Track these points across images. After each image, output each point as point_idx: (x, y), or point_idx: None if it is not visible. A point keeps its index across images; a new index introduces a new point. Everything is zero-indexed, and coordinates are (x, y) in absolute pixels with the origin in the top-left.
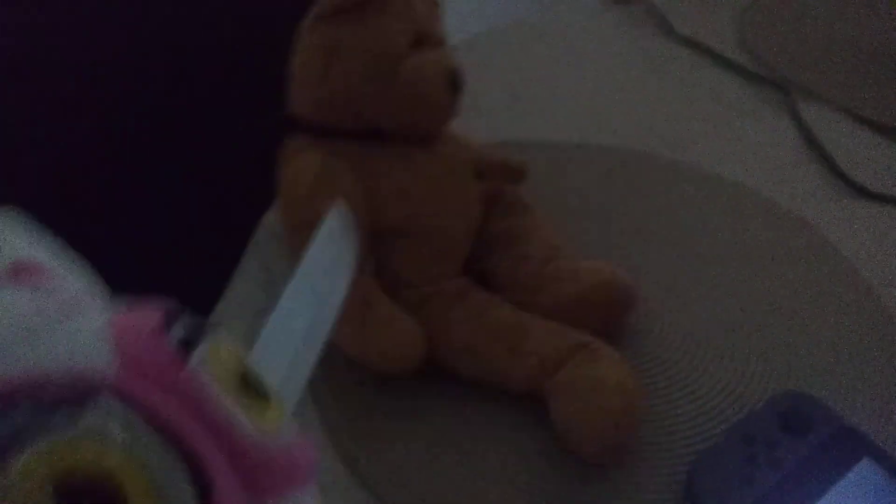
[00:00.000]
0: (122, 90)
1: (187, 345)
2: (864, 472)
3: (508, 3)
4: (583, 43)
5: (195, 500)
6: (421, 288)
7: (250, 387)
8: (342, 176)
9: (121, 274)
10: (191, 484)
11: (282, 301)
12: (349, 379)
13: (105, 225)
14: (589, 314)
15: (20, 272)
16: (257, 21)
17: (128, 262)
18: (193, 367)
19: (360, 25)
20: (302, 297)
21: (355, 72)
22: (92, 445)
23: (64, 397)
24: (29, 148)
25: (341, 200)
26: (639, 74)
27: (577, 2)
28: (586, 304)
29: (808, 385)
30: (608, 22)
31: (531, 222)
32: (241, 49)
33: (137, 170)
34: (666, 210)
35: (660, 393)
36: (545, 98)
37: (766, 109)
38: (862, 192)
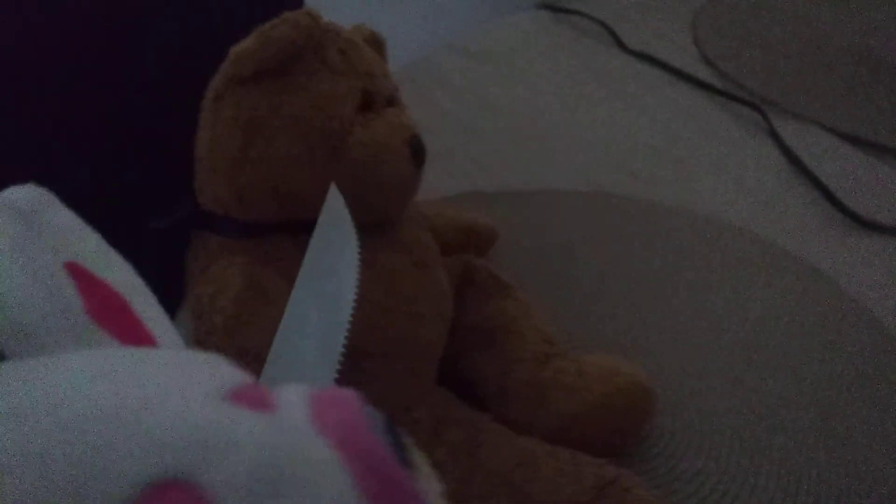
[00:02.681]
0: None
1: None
2: None
3: (438, 23)
4: (529, 63)
5: None
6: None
7: None
8: (273, 293)
9: None
10: None
11: (289, 309)
12: None
13: None
14: (601, 428)
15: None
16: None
17: None
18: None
19: (289, 90)
20: (310, 303)
21: (286, 150)
22: None
23: None
24: None
25: (268, 332)
26: (597, 99)
27: (511, 17)
28: (600, 418)
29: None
30: (553, 38)
31: (513, 306)
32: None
33: None
34: (658, 266)
35: None
36: (501, 132)
37: (740, 130)
38: (856, 220)
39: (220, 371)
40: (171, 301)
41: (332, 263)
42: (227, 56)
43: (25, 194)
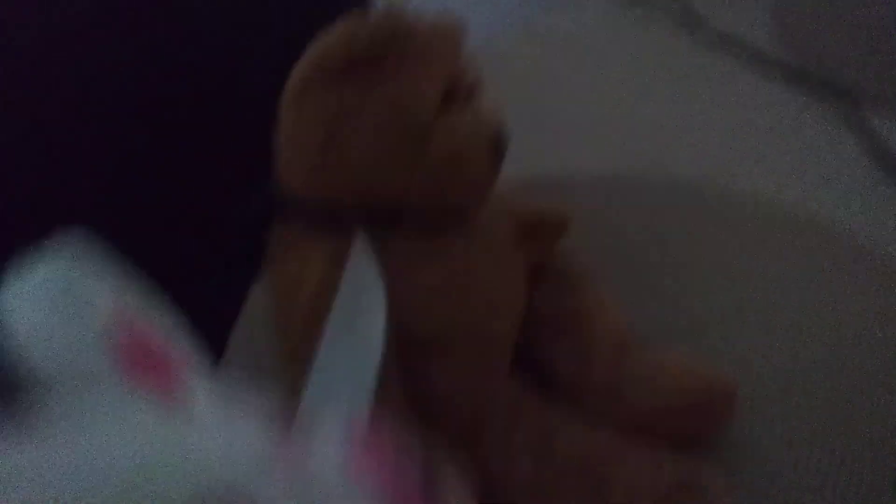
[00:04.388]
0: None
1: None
2: None
3: (508, 7)
4: (602, 49)
5: None
6: (466, 409)
7: None
8: None
9: None
10: None
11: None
12: None
13: None
14: (680, 425)
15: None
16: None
17: None
18: None
19: (375, 82)
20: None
21: (368, 148)
22: None
23: None
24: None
25: None
26: (672, 85)
27: (587, 2)
28: (678, 415)
29: None
30: (626, 22)
31: (589, 299)
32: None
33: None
34: (739, 260)
35: None
36: (570, 118)
37: (823, 118)
38: None
39: (253, 429)
40: (249, 283)
41: (363, 301)
42: (312, 48)
43: (66, 258)
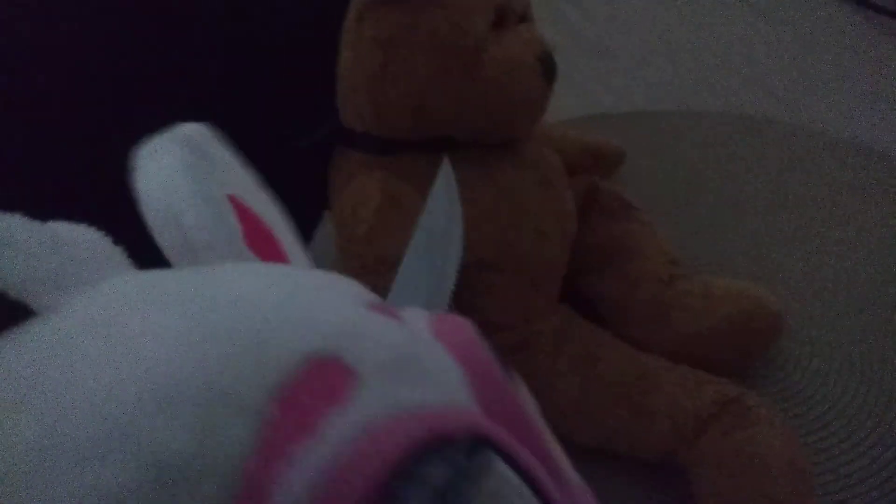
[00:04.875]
0: (156, 93)
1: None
2: None
3: None
4: None
5: None
6: (515, 331)
7: None
8: (409, 206)
9: None
10: None
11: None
12: None
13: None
14: (725, 349)
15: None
16: (301, 15)
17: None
18: (529, 407)
19: (427, 7)
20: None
21: (423, 68)
22: None
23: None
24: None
25: (404, 241)
26: (735, 16)
27: None
28: (723, 339)
29: None
30: None
31: (638, 228)
32: (283, 47)
33: None
34: (796, 192)
35: (821, 450)
36: (634, 52)
37: (890, 47)
38: None
39: (357, 287)
40: (316, 212)
41: (445, 220)
42: None
43: (196, 129)
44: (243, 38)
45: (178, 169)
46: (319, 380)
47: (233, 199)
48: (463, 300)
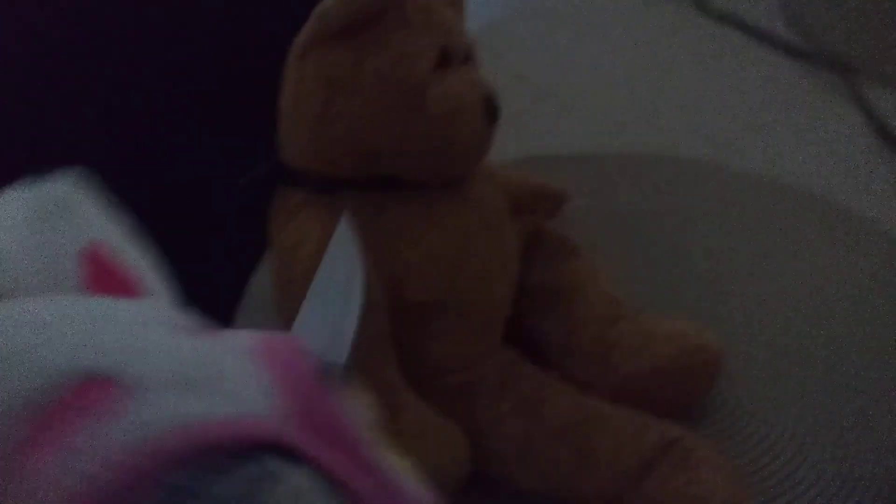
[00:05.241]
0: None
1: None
2: None
3: None
4: (609, 26)
5: None
6: (459, 374)
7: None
8: None
9: None
10: None
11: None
12: None
13: None
14: (668, 389)
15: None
16: (242, 49)
17: None
18: (351, 417)
19: (371, 46)
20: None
21: (366, 107)
22: None
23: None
24: None
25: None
26: (676, 63)
27: None
28: (665, 379)
29: None
30: (631, 1)
31: (581, 270)
32: (224, 80)
33: None
34: (737, 235)
35: (765, 490)
36: (577, 95)
37: (826, 96)
38: None
39: (170, 312)
40: (256, 251)
41: (343, 273)
42: (313, 13)
43: (58, 185)
44: (181, 71)
45: (22, 218)
46: (87, 397)
47: (88, 249)
48: (405, 343)
